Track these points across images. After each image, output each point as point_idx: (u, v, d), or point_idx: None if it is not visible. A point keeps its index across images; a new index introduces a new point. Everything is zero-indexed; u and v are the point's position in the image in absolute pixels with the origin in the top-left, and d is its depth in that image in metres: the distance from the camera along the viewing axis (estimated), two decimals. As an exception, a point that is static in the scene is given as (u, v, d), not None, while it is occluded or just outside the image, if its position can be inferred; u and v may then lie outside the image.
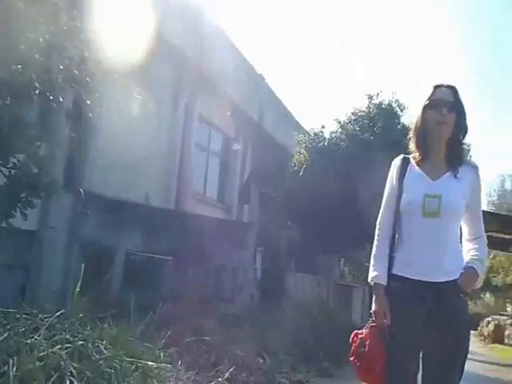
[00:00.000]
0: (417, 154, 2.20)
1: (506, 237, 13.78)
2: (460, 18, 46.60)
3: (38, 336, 2.71)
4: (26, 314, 2.98)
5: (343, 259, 14.63)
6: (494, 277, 21.67)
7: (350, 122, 10.42)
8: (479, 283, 2.10)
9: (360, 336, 2.14)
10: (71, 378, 2.52)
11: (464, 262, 2.08)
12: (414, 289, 2.04)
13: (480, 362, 9.40)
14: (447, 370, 2.02)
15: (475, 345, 14.46)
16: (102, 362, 2.77)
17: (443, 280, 2.02)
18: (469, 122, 2.15)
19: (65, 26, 3.18)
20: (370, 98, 10.58)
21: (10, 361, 2.45)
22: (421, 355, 2.07)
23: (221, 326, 5.12)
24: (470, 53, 48.01)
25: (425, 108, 2.14)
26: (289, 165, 10.73)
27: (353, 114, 10.52)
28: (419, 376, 2.10)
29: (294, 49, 44.88)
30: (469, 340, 2.09)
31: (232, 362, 4.43)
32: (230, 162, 11.32)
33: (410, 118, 9.22)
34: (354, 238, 9.71)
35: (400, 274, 2.09)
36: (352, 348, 2.16)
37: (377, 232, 2.22)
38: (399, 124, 10.13)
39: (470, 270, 2.06)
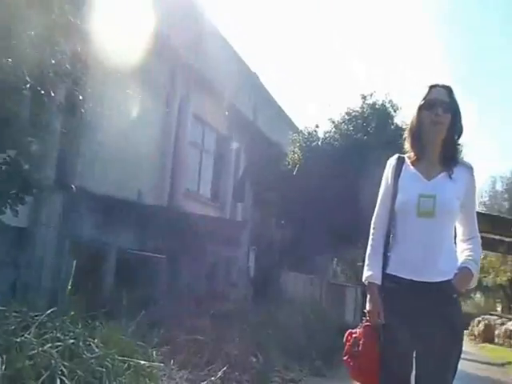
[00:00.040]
0: (412, 154, 2.19)
1: (496, 237, 13.91)
2: (460, 18, 46.85)
3: (29, 334, 2.69)
4: (16, 312, 2.95)
5: (336, 259, 14.68)
6: (485, 277, 21.85)
7: (343, 122, 10.47)
8: (473, 283, 2.10)
9: (354, 335, 2.14)
10: (62, 377, 2.49)
11: (458, 263, 2.08)
12: (408, 288, 2.04)
13: (471, 361, 9.47)
14: (441, 370, 2.02)
15: (466, 344, 14.47)
16: (93, 360, 2.75)
17: (438, 280, 2.02)
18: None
19: (57, 20, 3.14)
20: (364, 98, 10.64)
21: (0, 359, 2.41)
22: (414, 355, 2.07)
23: (213, 324, 5.10)
24: (459, 53, 48.42)
25: (420, 108, 2.13)
26: (283, 163, 10.75)
27: (347, 113, 10.57)
28: (412, 376, 2.10)
29: (289, 47, 44.94)
30: (462, 340, 2.10)
31: (225, 360, 4.41)
32: (223, 160, 11.28)
33: (404, 118, 9.35)
34: (347, 237, 9.75)
35: (394, 274, 2.09)
36: (346, 347, 2.15)
37: (371, 231, 2.21)
38: (392, 124, 10.20)
39: (464, 271, 2.05)
